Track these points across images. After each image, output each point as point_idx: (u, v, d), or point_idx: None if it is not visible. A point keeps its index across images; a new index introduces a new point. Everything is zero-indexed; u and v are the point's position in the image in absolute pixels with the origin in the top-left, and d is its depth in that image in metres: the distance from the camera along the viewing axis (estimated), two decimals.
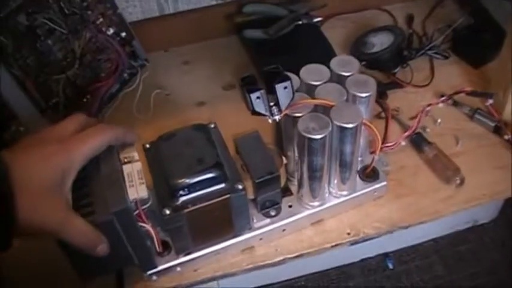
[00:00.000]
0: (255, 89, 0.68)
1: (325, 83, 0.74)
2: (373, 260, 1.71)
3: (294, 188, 0.80)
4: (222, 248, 0.75)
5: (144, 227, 0.66)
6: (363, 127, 0.71)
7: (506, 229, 1.80)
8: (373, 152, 0.78)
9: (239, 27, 1.03)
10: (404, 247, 1.61)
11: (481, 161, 0.86)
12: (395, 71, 0.98)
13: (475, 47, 1.01)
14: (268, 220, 0.77)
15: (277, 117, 0.70)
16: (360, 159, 0.81)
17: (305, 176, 0.73)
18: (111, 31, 0.96)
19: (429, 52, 1.01)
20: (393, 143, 0.85)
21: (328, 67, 0.76)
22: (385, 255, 1.71)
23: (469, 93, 0.90)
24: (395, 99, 0.95)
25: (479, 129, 0.91)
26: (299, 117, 0.69)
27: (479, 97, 0.91)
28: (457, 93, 0.92)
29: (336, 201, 0.79)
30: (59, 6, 0.88)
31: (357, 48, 0.99)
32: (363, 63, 0.98)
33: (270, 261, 0.77)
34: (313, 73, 0.75)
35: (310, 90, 0.73)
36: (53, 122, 0.86)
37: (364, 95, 0.73)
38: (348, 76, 0.74)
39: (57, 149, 0.59)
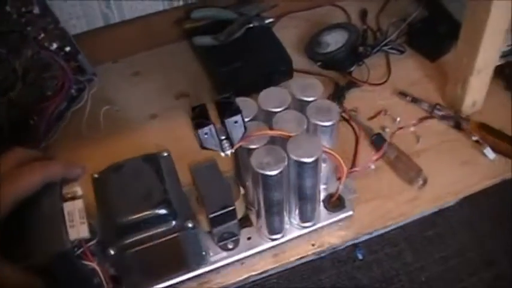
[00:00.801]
0: (203, 124, 0.63)
1: (285, 109, 0.69)
2: (342, 251, 1.71)
3: (254, 218, 0.76)
4: (177, 283, 0.72)
5: (89, 265, 0.63)
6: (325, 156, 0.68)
7: (473, 210, 1.82)
8: (339, 179, 0.74)
9: (189, 33, 0.99)
10: (373, 236, 1.60)
11: (444, 158, 0.85)
12: (352, 69, 0.96)
13: (430, 40, 1.00)
14: (225, 253, 0.74)
15: (228, 152, 0.66)
16: (324, 187, 0.78)
17: (262, 210, 0.70)
18: (54, 46, 0.91)
19: (385, 48, 0.99)
20: (361, 167, 0.83)
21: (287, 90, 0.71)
22: (355, 245, 1.71)
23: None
24: (353, 99, 0.93)
25: (439, 125, 0.90)
26: (254, 149, 0.65)
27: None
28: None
29: (298, 233, 0.76)
30: None
31: (311, 48, 0.97)
32: (318, 63, 0.96)
33: (232, 281, 0.75)
34: (272, 99, 0.70)
35: (269, 117, 0.69)
36: None
37: (326, 123, 0.69)
38: (310, 102, 0.70)
39: None
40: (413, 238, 1.78)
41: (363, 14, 1.07)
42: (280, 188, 0.66)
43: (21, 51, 0.87)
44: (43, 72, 0.90)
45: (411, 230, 1.78)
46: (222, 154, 0.66)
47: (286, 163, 0.64)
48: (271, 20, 0.99)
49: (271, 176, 0.63)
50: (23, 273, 0.57)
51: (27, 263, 0.57)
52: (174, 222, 0.65)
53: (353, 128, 0.88)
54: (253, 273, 0.75)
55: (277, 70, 0.93)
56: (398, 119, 0.89)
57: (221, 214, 0.69)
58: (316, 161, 0.65)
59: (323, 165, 0.72)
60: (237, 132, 0.65)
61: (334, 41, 0.96)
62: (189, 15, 0.97)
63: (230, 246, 0.74)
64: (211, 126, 0.63)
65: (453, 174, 0.84)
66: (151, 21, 0.99)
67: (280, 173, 0.63)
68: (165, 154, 0.71)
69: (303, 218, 0.75)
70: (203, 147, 0.64)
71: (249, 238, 0.75)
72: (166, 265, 0.70)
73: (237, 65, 0.92)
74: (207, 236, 0.73)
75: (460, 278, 1.70)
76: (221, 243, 0.73)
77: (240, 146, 0.66)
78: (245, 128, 0.65)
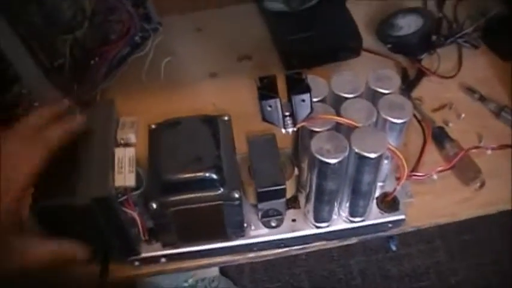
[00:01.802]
0: (268, 96, 0.60)
1: (356, 97, 0.66)
2: (376, 240, 1.69)
3: (302, 201, 0.74)
4: (211, 250, 0.71)
5: (130, 213, 0.63)
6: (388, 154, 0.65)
7: None
8: (398, 179, 0.71)
9: None
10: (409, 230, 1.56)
11: (504, 163, 0.81)
12: (422, 57, 0.92)
13: (507, 39, 0.95)
14: (266, 230, 0.72)
15: (290, 130, 0.62)
16: (380, 184, 0.74)
17: (312, 195, 0.67)
18: None
19: (459, 40, 0.95)
20: (424, 174, 0.78)
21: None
22: (389, 236, 1.69)
23: None
24: (419, 87, 0.90)
25: (504, 129, 0.85)
26: (316, 132, 0.62)
27: None
28: None
29: (344, 226, 0.73)
30: None
31: (383, 29, 0.94)
32: (389, 45, 0.93)
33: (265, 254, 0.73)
34: (344, 83, 0.66)
35: (338, 102, 0.66)
36: (57, 84, 0.83)
37: (397, 121, 0.64)
38: (384, 94, 0.66)
39: None
40: (450, 239, 1.75)
41: (441, 1, 1.03)
42: (336, 179, 0.63)
43: None
44: (110, 15, 0.89)
45: (449, 231, 1.74)
46: (283, 131, 0.63)
47: (346, 154, 0.60)
48: None
49: (329, 164, 0.60)
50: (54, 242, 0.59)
51: (69, 202, 0.58)
52: (221, 190, 0.63)
53: (422, 126, 0.84)
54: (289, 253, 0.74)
55: (347, 46, 0.91)
56: (463, 115, 0.86)
57: (270, 191, 0.67)
58: (378, 158, 0.61)
59: (384, 161, 0.69)
60: (302, 111, 0.61)
61: (408, 25, 0.92)
62: None
63: (273, 224, 0.72)
64: (277, 100, 0.60)
65: (510, 182, 0.80)
66: None
67: (339, 163, 0.60)
68: (226, 118, 0.69)
69: (353, 212, 0.71)
70: (264, 120, 0.61)
71: (293, 220, 0.72)
72: (206, 230, 0.69)
73: (305, 35, 0.90)
74: (252, 209, 0.72)
75: None
76: (264, 219, 0.71)
77: (303, 126, 0.63)
78: (311, 108, 0.61)
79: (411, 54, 0.93)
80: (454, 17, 1.00)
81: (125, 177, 0.61)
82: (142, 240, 0.69)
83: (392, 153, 0.64)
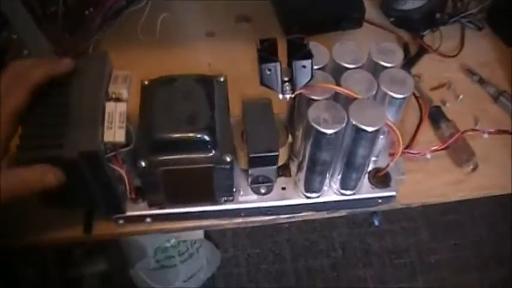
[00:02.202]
0: (268, 60, 0.58)
1: (357, 68, 0.64)
2: (359, 214, 1.70)
3: (294, 169, 0.72)
4: (198, 212, 0.70)
5: (117, 170, 0.61)
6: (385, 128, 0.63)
7: (498, 207, 1.78)
8: (392, 155, 0.70)
9: None
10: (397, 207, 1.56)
11: (498, 148, 0.80)
12: (424, 33, 0.91)
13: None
14: (255, 197, 0.70)
15: (287, 96, 0.60)
16: (374, 159, 0.73)
17: (305, 165, 0.66)
18: None
19: (463, 20, 0.93)
20: (417, 152, 0.77)
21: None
22: (373, 211, 1.69)
23: None
24: (418, 64, 0.88)
25: (501, 114, 0.84)
26: (314, 100, 0.61)
27: None
28: None
29: (335, 198, 0.71)
30: None
31: (388, 2, 0.91)
32: (391, 19, 0.90)
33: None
34: (346, 53, 0.64)
35: (338, 72, 0.64)
36: (49, 33, 0.80)
37: (398, 96, 0.63)
38: (386, 68, 0.64)
39: None
40: (432, 218, 1.75)
41: None
42: (331, 150, 0.62)
43: None
44: None
45: (432, 210, 1.75)
46: (281, 96, 0.61)
47: (344, 125, 0.59)
48: None
49: (325, 134, 0.58)
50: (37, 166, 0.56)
51: (55, 154, 0.56)
52: (213, 152, 0.61)
53: (419, 104, 0.83)
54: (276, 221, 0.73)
55: (349, 16, 0.89)
56: (461, 96, 0.85)
57: (262, 157, 0.65)
58: (376, 132, 0.59)
59: (380, 136, 0.67)
60: (302, 78, 0.59)
61: None
62: None
63: (262, 191, 0.70)
64: (277, 64, 0.58)
65: (504, 167, 0.79)
66: None
67: (336, 133, 0.59)
68: (221, 79, 0.67)
69: (344, 185, 0.70)
70: (262, 84, 0.59)
71: (283, 188, 0.71)
72: (194, 192, 0.68)
73: (307, 0, 0.87)
74: (242, 174, 0.70)
75: (469, 269, 1.68)
76: (254, 186, 0.70)
77: (301, 94, 0.61)
78: (312, 75, 0.59)
79: (414, 29, 0.91)
80: None
81: (115, 132, 0.58)
82: (129, 199, 0.67)
83: (389, 129, 0.62)
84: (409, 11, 0.89)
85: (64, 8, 0.81)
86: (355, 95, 0.60)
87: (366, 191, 0.72)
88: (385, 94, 0.63)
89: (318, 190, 0.70)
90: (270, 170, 0.68)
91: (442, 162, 0.79)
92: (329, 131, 0.58)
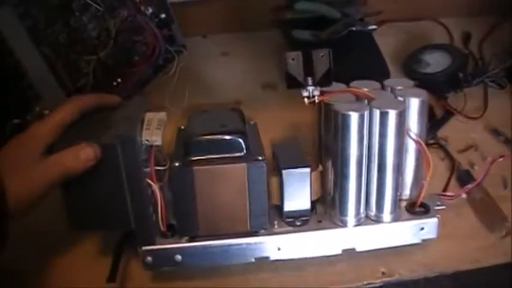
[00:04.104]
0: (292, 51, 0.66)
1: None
2: None
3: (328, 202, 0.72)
4: (232, 246, 0.67)
5: (151, 185, 0.63)
6: (413, 145, 0.67)
7: None
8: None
9: (285, 24, 0.96)
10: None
11: None
12: (448, 95, 0.92)
13: None
14: (291, 228, 0.69)
15: (310, 88, 0.65)
16: (407, 192, 0.73)
17: (338, 183, 0.67)
18: (149, 11, 0.89)
19: (485, 79, 0.94)
20: (453, 193, 0.78)
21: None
22: None
23: None
24: (444, 127, 0.89)
25: None
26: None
27: None
28: None
29: (374, 225, 0.70)
30: None
31: (411, 64, 0.93)
32: (415, 82, 0.91)
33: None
34: (362, 84, 0.69)
35: None
36: None
37: (414, 99, 0.67)
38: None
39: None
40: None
41: (467, 37, 1.02)
42: (360, 140, 0.64)
43: (117, 11, 0.85)
44: (134, 35, 0.88)
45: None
46: (305, 99, 0.66)
47: (368, 110, 0.63)
48: (374, 27, 0.95)
49: (350, 116, 0.62)
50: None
51: (93, 140, 0.60)
52: (244, 151, 0.65)
53: (450, 156, 0.84)
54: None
55: (373, 79, 0.89)
56: (489, 158, 0.85)
57: (294, 172, 0.67)
58: (400, 114, 0.63)
59: (407, 165, 0.70)
60: (321, 67, 0.66)
61: (436, 62, 0.92)
62: (292, 5, 0.94)
63: (298, 223, 0.70)
64: (299, 53, 0.65)
65: None
66: (248, 3, 0.96)
67: (362, 116, 0.62)
68: (252, 122, 0.73)
69: (380, 208, 0.69)
70: (287, 72, 0.66)
71: (319, 221, 0.70)
72: (225, 209, 0.67)
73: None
74: (275, 210, 0.70)
75: None
76: (288, 220, 0.70)
77: (325, 105, 0.66)
78: (330, 65, 0.66)
79: (438, 91, 0.92)
80: (480, 54, 0.99)
81: (152, 132, 0.62)
82: (159, 234, 0.67)
83: (417, 144, 0.67)
84: (432, 74, 0.90)
85: (93, 81, 0.83)
86: (373, 96, 0.65)
87: (405, 218, 0.71)
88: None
89: (356, 217, 0.69)
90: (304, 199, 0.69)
91: (474, 227, 0.78)
92: (355, 113, 0.62)
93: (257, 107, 0.88)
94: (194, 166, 0.63)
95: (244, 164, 0.63)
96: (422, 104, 0.68)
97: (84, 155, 0.59)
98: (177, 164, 0.63)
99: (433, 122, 0.88)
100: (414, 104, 0.68)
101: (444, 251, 0.75)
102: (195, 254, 0.67)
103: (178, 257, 0.67)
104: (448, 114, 0.89)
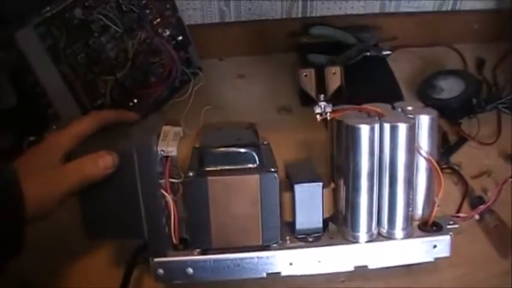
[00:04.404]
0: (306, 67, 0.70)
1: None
2: None
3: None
4: (244, 259, 0.67)
5: (165, 196, 0.64)
6: (424, 164, 0.68)
7: None
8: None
9: (301, 48, 0.97)
10: None
11: None
12: (461, 121, 0.92)
13: None
14: (303, 243, 0.69)
15: (322, 104, 0.67)
16: (420, 212, 0.72)
17: (349, 198, 0.67)
18: (167, 33, 0.90)
19: (499, 105, 0.94)
20: (466, 215, 0.77)
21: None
22: None
23: None
24: (458, 152, 0.89)
25: None
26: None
27: None
28: None
29: (386, 242, 0.69)
30: (117, 2, 0.84)
31: (425, 90, 0.93)
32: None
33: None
34: (373, 106, 0.70)
35: None
36: None
37: (424, 116, 0.68)
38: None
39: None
40: None
41: (480, 64, 1.02)
42: (371, 154, 0.65)
43: (135, 33, 0.86)
44: (152, 57, 0.89)
45: None
46: (317, 116, 0.67)
47: (378, 124, 0.64)
48: (388, 52, 0.95)
49: (361, 128, 0.63)
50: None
51: (111, 147, 0.61)
52: (257, 163, 0.67)
53: (463, 181, 0.84)
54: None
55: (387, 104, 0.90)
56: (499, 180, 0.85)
57: (306, 187, 0.68)
58: (410, 128, 0.64)
59: (418, 184, 0.70)
60: (332, 83, 0.69)
61: (449, 87, 0.92)
62: (307, 30, 0.95)
63: (310, 239, 0.70)
64: (312, 70, 0.69)
65: None
66: (265, 27, 0.97)
67: (372, 129, 0.63)
68: (265, 142, 0.75)
69: (393, 224, 0.69)
70: (300, 89, 0.70)
71: (331, 238, 0.70)
72: (238, 222, 0.67)
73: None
74: (287, 227, 0.70)
75: None
76: (300, 236, 0.70)
77: (337, 122, 0.67)
78: (341, 82, 0.69)
79: (451, 117, 0.92)
80: (493, 80, 0.99)
81: (168, 143, 0.64)
82: (171, 247, 0.67)
83: (427, 161, 0.67)
84: (447, 100, 0.90)
85: (110, 101, 0.84)
86: (383, 112, 0.67)
87: (418, 235, 0.70)
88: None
89: (368, 233, 0.69)
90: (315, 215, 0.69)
91: (487, 254, 0.78)
92: (366, 126, 0.63)
93: (271, 129, 0.89)
94: (208, 176, 0.64)
95: (257, 176, 0.65)
96: (432, 122, 0.68)
97: (102, 162, 0.61)
98: (191, 174, 0.64)
99: (446, 147, 0.88)
100: (424, 121, 0.68)
101: (458, 278, 0.75)
102: (206, 267, 0.67)
103: (190, 270, 0.66)
104: (462, 140, 0.89)
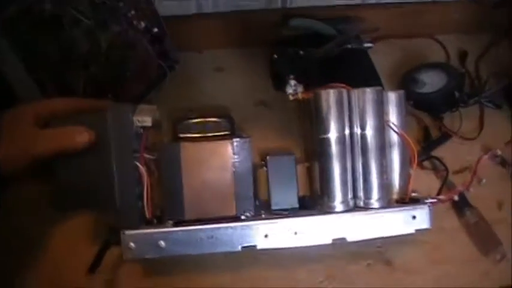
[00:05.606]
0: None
1: None
2: None
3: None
4: (218, 230, 0.66)
5: (139, 167, 0.64)
6: (397, 140, 0.72)
7: None
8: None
9: (280, 41, 0.94)
10: None
11: None
12: (443, 115, 0.90)
13: None
14: (278, 215, 0.69)
15: (292, 82, 0.71)
16: (397, 189, 0.74)
17: (323, 168, 0.69)
18: (142, 25, 0.87)
19: (482, 99, 0.92)
20: (446, 197, 0.76)
21: None
22: None
23: None
24: (439, 147, 0.88)
25: None
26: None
27: None
28: None
29: (363, 212, 0.69)
30: None
31: (407, 84, 0.91)
32: (411, 102, 0.90)
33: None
34: None
35: None
36: None
37: (391, 93, 0.73)
38: None
39: None
40: None
41: (463, 56, 1.00)
42: (340, 118, 0.69)
43: (109, 26, 0.83)
44: (126, 51, 0.86)
45: None
46: (289, 90, 0.71)
47: (346, 91, 0.70)
48: (370, 44, 0.93)
49: (331, 93, 0.69)
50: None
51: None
52: (231, 131, 0.71)
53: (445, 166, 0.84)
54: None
55: None
56: (484, 180, 0.83)
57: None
58: (377, 94, 0.69)
59: (393, 159, 0.73)
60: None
61: (432, 81, 0.90)
62: (287, 22, 0.92)
63: (285, 213, 0.72)
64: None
65: None
66: (244, 18, 0.94)
67: (340, 93, 0.69)
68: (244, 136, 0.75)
69: (370, 194, 0.70)
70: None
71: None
72: (213, 195, 0.68)
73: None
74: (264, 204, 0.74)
75: None
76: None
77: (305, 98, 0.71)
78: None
79: (433, 111, 0.91)
80: (476, 73, 0.98)
81: (143, 115, 0.66)
82: (144, 222, 0.66)
83: (401, 136, 0.71)
84: (428, 94, 0.88)
85: (83, 96, 0.81)
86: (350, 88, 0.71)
87: (396, 206, 0.71)
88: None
89: (344, 202, 0.69)
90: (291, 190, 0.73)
91: (468, 251, 0.78)
92: (333, 90, 0.69)
93: (250, 126, 0.86)
94: (181, 142, 0.67)
95: (229, 141, 0.68)
96: (399, 98, 0.73)
97: (79, 137, 0.62)
98: (166, 140, 0.69)
99: (428, 142, 0.87)
100: (392, 98, 0.73)
101: (440, 275, 0.75)
102: (179, 239, 0.65)
103: (162, 243, 0.65)
104: (445, 136, 0.88)
